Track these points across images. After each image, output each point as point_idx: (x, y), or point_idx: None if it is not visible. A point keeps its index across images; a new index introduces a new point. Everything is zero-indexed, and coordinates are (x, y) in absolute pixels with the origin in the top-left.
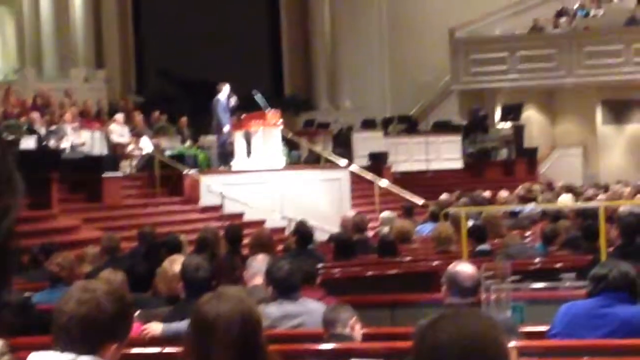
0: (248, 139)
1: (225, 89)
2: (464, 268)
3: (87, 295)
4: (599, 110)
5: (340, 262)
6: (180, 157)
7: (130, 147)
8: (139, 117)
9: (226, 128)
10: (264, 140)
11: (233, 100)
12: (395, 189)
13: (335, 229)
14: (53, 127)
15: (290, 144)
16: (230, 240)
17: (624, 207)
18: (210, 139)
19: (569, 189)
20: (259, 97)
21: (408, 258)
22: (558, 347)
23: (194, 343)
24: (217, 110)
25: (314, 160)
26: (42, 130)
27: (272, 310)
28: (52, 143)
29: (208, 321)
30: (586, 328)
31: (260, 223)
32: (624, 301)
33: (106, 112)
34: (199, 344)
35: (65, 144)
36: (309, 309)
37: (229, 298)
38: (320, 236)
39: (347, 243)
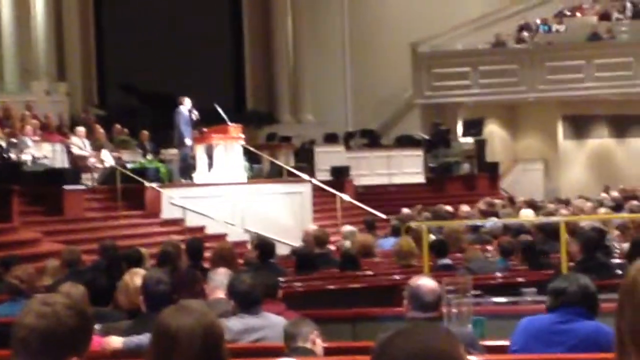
0: (210, 152)
1: (186, 103)
2: (426, 282)
3: (47, 308)
4: (560, 125)
5: (302, 276)
6: (141, 171)
7: (91, 160)
8: (100, 130)
9: (188, 141)
10: (226, 153)
11: (195, 114)
12: (357, 203)
13: (296, 242)
14: (14, 140)
15: (252, 158)
16: (192, 254)
17: (585, 222)
18: (172, 153)
19: (529, 204)
20: (220, 111)
21: (370, 272)
22: None
23: (155, 356)
24: (178, 123)
25: (276, 174)
26: (3, 143)
27: (233, 324)
28: (13, 156)
29: (170, 334)
30: (546, 344)
31: (222, 236)
32: (583, 316)
33: (67, 125)
34: (161, 357)
35: (26, 157)
36: (271, 323)
37: (191, 311)
38: (282, 250)
39: (308, 257)
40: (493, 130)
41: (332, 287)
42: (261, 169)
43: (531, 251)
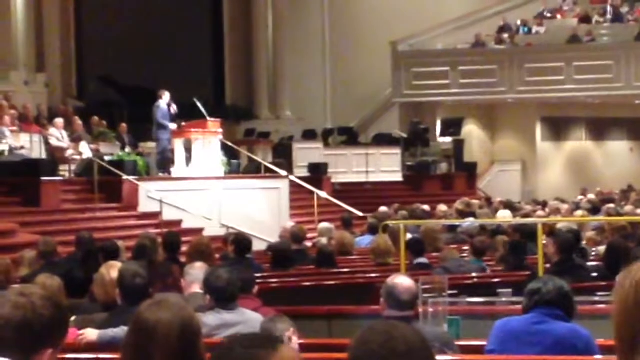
0: (188, 146)
1: (166, 96)
2: (402, 281)
3: (23, 299)
4: (539, 127)
5: (278, 272)
6: (119, 163)
7: (69, 152)
8: (78, 122)
9: (166, 135)
10: (204, 148)
11: (173, 108)
12: (335, 200)
13: (273, 238)
14: None
15: (230, 153)
16: (168, 248)
17: (562, 224)
18: (150, 146)
19: (507, 204)
20: (199, 105)
21: (346, 270)
22: None
23: (133, 349)
24: (157, 117)
25: (254, 170)
26: None
27: (209, 319)
28: None
29: (149, 328)
30: (521, 345)
31: (199, 231)
32: (558, 318)
33: (46, 117)
34: (139, 351)
35: (3, 147)
36: (247, 319)
37: (170, 305)
38: (259, 245)
39: (285, 253)
40: (471, 130)
41: (308, 283)
42: (239, 165)
43: (521, 250)
